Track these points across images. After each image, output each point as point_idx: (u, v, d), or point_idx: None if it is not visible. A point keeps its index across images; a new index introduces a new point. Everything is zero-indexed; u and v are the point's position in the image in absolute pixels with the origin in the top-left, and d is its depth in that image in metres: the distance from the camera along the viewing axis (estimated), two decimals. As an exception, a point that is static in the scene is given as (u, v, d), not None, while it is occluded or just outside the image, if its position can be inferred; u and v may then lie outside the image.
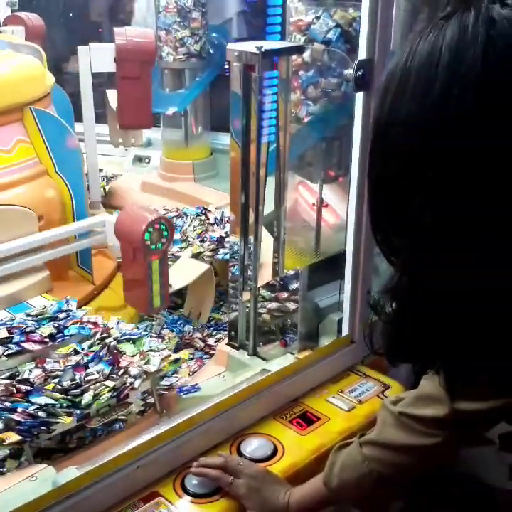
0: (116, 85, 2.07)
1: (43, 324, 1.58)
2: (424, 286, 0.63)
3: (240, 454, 1.21)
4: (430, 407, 0.95)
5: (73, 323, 1.60)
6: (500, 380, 0.70)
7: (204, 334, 1.97)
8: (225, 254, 2.12)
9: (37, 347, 1.51)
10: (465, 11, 0.57)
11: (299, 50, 1.56)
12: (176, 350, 1.71)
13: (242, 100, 1.48)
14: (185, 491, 1.12)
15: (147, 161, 3.01)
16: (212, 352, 1.82)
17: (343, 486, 1.04)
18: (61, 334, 1.56)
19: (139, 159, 3.01)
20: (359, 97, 1.31)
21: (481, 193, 0.55)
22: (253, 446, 1.22)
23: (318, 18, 1.64)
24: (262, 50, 1.41)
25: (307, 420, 1.30)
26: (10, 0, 3.05)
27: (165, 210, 2.33)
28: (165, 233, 1.64)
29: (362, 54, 1.28)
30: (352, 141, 1.47)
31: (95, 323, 1.63)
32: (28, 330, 1.55)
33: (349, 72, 1.36)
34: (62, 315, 1.62)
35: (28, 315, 1.61)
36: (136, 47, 1.97)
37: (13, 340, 1.52)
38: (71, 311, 1.65)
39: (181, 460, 1.17)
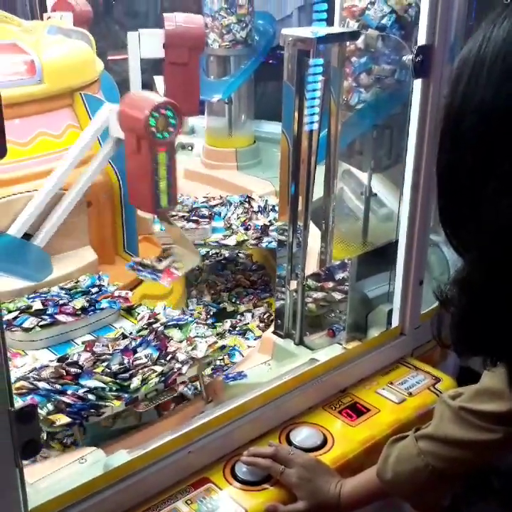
0: (163, 71, 2.06)
1: (76, 298, 1.62)
2: (500, 279, 0.61)
3: (290, 442, 1.20)
4: (492, 402, 0.93)
5: (104, 298, 1.63)
6: None
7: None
8: (269, 242, 2.11)
9: (69, 319, 1.55)
10: None
11: (354, 36, 1.53)
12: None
13: (294, 86, 1.46)
14: (235, 478, 1.12)
15: (190, 148, 3.01)
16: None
17: (397, 479, 1.02)
18: (93, 308, 1.60)
19: (182, 146, 3.00)
20: (417, 84, 1.28)
21: None
22: (303, 435, 1.21)
23: (372, 3, 1.60)
24: (317, 35, 1.39)
25: (357, 411, 1.28)
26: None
27: (206, 197, 2.34)
28: (172, 121, 1.50)
29: (421, 40, 1.25)
30: (403, 129, 1.45)
31: (126, 298, 1.65)
32: (61, 302, 1.58)
33: (407, 58, 1.33)
34: (94, 289, 1.66)
35: (62, 288, 1.64)
36: (185, 32, 1.96)
37: (47, 312, 1.55)
38: (103, 286, 1.67)
39: (231, 447, 1.17)
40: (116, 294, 1.66)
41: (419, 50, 1.25)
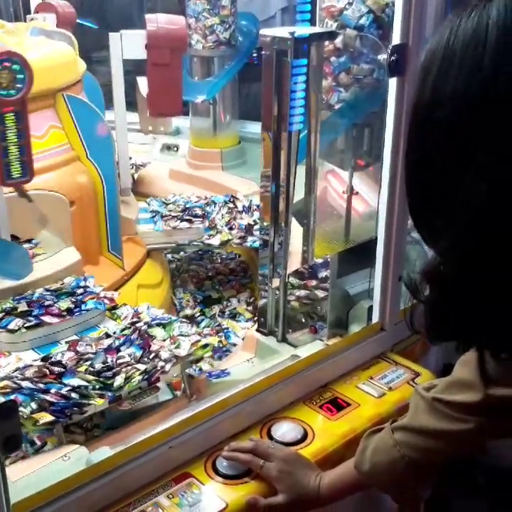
0: (146, 72, 2.07)
1: (62, 299, 1.62)
2: (471, 268, 0.63)
3: (271, 437, 1.22)
4: (463, 392, 0.94)
5: (90, 299, 1.63)
6: None
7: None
8: (254, 241, 2.13)
9: (55, 320, 1.55)
10: None
11: (331, 36, 1.55)
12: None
13: (273, 86, 1.48)
14: (217, 473, 1.13)
15: (175, 149, 3.02)
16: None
17: (375, 470, 1.04)
18: (78, 309, 1.60)
19: (167, 147, 3.02)
20: (393, 82, 1.30)
21: None
22: (283, 429, 1.23)
23: (350, 3, 1.62)
24: (295, 35, 1.41)
25: (337, 406, 1.30)
26: (41, -12, 3.08)
27: (189, 197, 2.35)
28: (20, 76, 1.31)
29: (396, 39, 1.27)
30: (383, 128, 1.47)
31: (111, 299, 1.66)
32: (46, 304, 1.58)
33: (382, 57, 1.35)
34: (79, 290, 1.66)
35: (47, 290, 1.64)
36: (167, 34, 1.97)
37: (33, 313, 1.56)
38: (88, 287, 1.68)
39: (212, 442, 1.18)
40: (101, 294, 1.66)
41: (393, 49, 1.27)
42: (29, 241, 1.74)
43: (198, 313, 2.07)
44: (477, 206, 0.59)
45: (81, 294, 1.64)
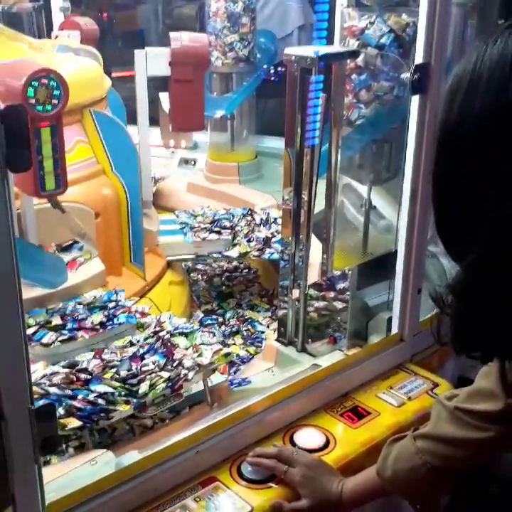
0: (168, 88, 2.13)
1: (94, 312, 1.65)
2: (494, 283, 0.66)
3: (293, 444, 1.25)
4: (485, 402, 0.97)
5: (122, 312, 1.66)
6: None
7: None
8: (271, 254, 2.17)
9: (88, 334, 1.59)
10: None
11: (353, 54, 1.60)
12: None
13: (297, 103, 1.52)
14: (242, 477, 1.16)
15: (193, 163, 3.07)
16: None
17: (396, 477, 1.07)
18: (111, 322, 1.63)
19: (185, 161, 3.07)
20: (415, 100, 1.34)
21: None
22: (306, 437, 1.26)
23: (372, 23, 1.67)
24: (319, 54, 1.46)
25: (358, 414, 1.33)
26: (63, 6, 3.16)
27: (217, 209, 2.41)
28: (56, 92, 1.36)
29: (419, 58, 1.31)
30: (402, 144, 1.51)
31: (143, 313, 1.69)
32: (80, 318, 1.62)
33: (405, 75, 1.39)
34: (111, 304, 1.69)
35: (80, 304, 1.68)
36: (190, 51, 2.02)
37: (67, 327, 1.59)
38: (120, 301, 1.71)
39: (237, 447, 1.21)
40: (133, 308, 1.70)
41: (416, 68, 1.31)
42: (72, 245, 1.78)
43: (217, 307, 2.22)
44: (501, 218, 0.62)
45: (113, 308, 1.67)
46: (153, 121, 2.39)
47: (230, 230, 2.22)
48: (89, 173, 1.87)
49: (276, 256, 2.11)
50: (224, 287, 2.34)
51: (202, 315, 2.16)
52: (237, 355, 1.82)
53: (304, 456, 1.18)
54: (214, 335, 1.80)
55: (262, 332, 2.02)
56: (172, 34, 2.04)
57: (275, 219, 2.33)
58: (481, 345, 0.71)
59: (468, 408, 0.99)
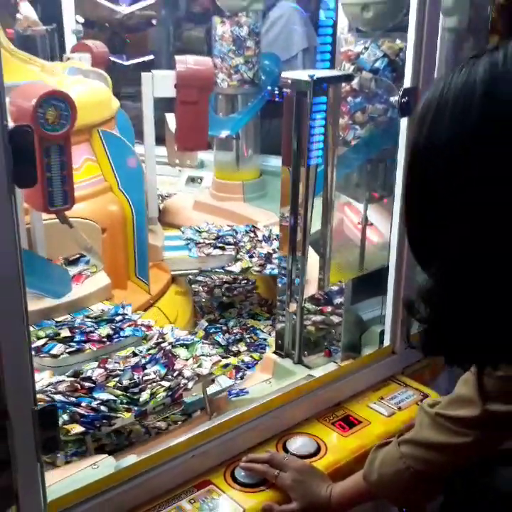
0: (174, 109, 2.21)
1: (102, 326, 1.72)
2: (457, 290, 0.71)
3: (286, 450, 1.30)
4: (463, 408, 1.02)
5: (129, 326, 1.73)
6: None
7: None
8: (272, 269, 2.23)
9: (96, 346, 1.65)
10: (494, 50, 0.67)
11: (348, 78, 1.67)
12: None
13: (294, 124, 1.59)
14: (235, 481, 1.22)
15: (199, 181, 3.15)
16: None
17: (382, 481, 1.12)
18: (117, 335, 1.69)
19: (191, 180, 3.15)
20: (404, 122, 1.41)
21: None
22: (298, 444, 1.31)
23: (366, 48, 1.75)
24: (314, 78, 1.53)
25: (349, 423, 1.38)
26: (75, 29, 3.28)
27: (221, 226, 2.48)
28: (65, 113, 1.43)
29: (407, 82, 1.38)
30: (395, 163, 1.57)
31: (148, 326, 1.75)
32: (87, 330, 1.68)
33: (395, 99, 1.46)
34: (118, 318, 1.76)
35: (87, 317, 1.75)
36: (195, 74, 2.11)
37: (75, 339, 1.66)
38: (127, 314, 1.78)
39: (231, 453, 1.27)
40: (139, 322, 1.76)
41: (404, 92, 1.38)
42: (79, 258, 1.86)
43: (219, 317, 2.32)
44: (462, 237, 0.68)
45: (120, 321, 1.73)
46: (160, 140, 2.47)
47: (233, 246, 2.29)
48: (96, 190, 1.95)
49: (276, 271, 2.17)
50: (224, 297, 2.44)
51: (206, 324, 2.24)
52: (242, 360, 1.93)
53: (294, 461, 1.23)
54: (214, 346, 1.87)
55: (265, 339, 2.13)
56: (178, 57, 2.12)
57: (277, 235, 2.40)
58: (447, 350, 0.76)
59: (449, 414, 1.04)
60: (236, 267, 2.23)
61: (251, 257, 2.28)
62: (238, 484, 1.21)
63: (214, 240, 2.32)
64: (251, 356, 1.96)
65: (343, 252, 1.94)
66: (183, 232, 2.39)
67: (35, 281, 1.53)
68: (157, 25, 4.40)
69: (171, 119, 2.28)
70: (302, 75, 1.55)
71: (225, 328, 2.24)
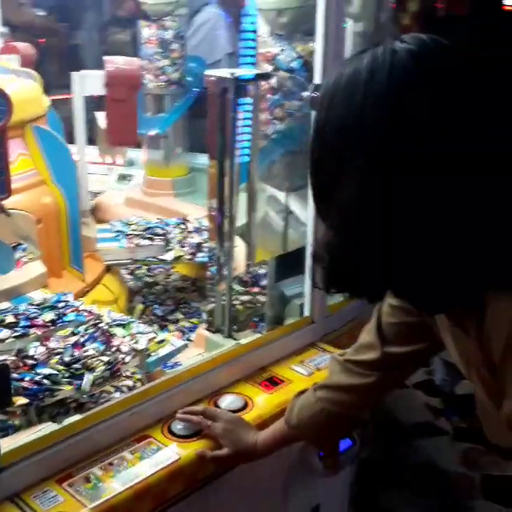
0: (105, 107, 2.32)
1: (45, 312, 1.81)
2: (348, 237, 0.87)
3: (217, 407, 1.44)
4: (367, 353, 1.20)
5: (71, 311, 1.83)
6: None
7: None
8: (203, 257, 2.37)
9: (41, 330, 1.74)
10: (377, 46, 0.84)
11: (267, 76, 1.84)
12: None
13: (218, 119, 1.74)
14: (172, 434, 1.35)
15: (129, 178, 3.26)
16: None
17: (301, 424, 1.28)
18: (61, 320, 1.79)
19: (122, 177, 3.26)
20: (315, 115, 1.57)
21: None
22: (227, 401, 1.46)
23: (283, 50, 1.93)
24: (235, 76, 1.69)
25: (273, 382, 1.54)
26: (1, 31, 3.32)
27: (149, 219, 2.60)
28: (2, 107, 1.49)
29: (317, 79, 1.55)
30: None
31: (90, 312, 1.86)
32: (32, 316, 1.77)
33: (306, 93, 1.63)
34: (61, 304, 1.85)
35: (31, 304, 1.84)
36: (123, 73, 2.23)
37: (20, 325, 1.74)
38: (69, 301, 1.88)
39: (167, 411, 1.40)
40: (81, 308, 1.86)
41: (314, 87, 1.55)
42: (17, 246, 1.94)
43: (148, 294, 2.46)
44: (350, 194, 0.84)
45: (62, 308, 1.82)
46: (90, 140, 2.57)
47: (162, 237, 2.41)
48: (30, 183, 2.04)
49: (206, 259, 2.31)
50: (148, 277, 2.57)
51: (142, 298, 2.41)
52: (183, 326, 2.15)
53: (225, 413, 1.38)
54: (152, 322, 2.01)
55: (198, 308, 2.31)
56: (106, 58, 2.24)
57: (207, 227, 2.54)
58: (345, 286, 0.92)
59: (355, 359, 1.22)
60: (169, 256, 2.36)
61: (183, 246, 2.41)
62: (175, 436, 1.34)
63: (143, 231, 2.44)
64: (190, 322, 2.14)
65: (268, 236, 2.11)
66: (112, 226, 2.49)
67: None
68: (83, 28, 4.47)
69: (101, 117, 2.39)
70: (225, 73, 1.71)
71: (159, 300, 2.40)
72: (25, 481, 1.19)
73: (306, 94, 1.65)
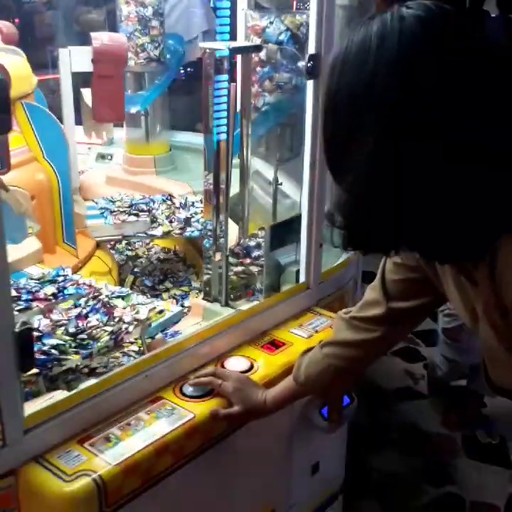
0: (91, 84, 2.33)
1: (45, 286, 1.84)
2: (362, 199, 0.92)
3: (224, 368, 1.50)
4: (372, 309, 1.26)
5: (71, 285, 1.86)
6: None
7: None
8: (192, 232, 2.41)
9: (43, 304, 1.77)
10: (384, 12, 0.89)
11: (258, 48, 1.88)
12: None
13: (212, 88, 1.76)
14: (184, 395, 1.40)
15: (109, 158, 3.26)
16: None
17: (308, 380, 1.34)
18: (62, 294, 1.82)
19: (102, 156, 3.25)
20: (310, 84, 1.63)
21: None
22: (234, 363, 1.51)
23: (271, 23, 1.96)
24: (230, 47, 1.72)
25: (275, 345, 1.60)
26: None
27: (133, 195, 2.62)
28: None
29: (311, 49, 1.60)
30: (302, 127, 1.78)
31: (89, 285, 1.89)
32: (33, 290, 1.80)
33: (301, 64, 1.68)
34: (60, 278, 1.88)
35: (31, 278, 1.86)
36: (110, 49, 2.24)
37: (22, 298, 1.77)
38: (67, 275, 1.90)
39: (178, 374, 1.45)
40: (80, 281, 1.89)
41: (310, 58, 1.59)
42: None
43: (133, 267, 2.53)
44: (367, 156, 0.89)
45: (62, 281, 1.85)
46: (75, 119, 2.57)
47: (147, 213, 2.44)
48: (22, 159, 2.05)
49: (196, 234, 2.36)
50: (128, 252, 2.65)
51: (130, 269, 2.48)
52: (175, 294, 2.22)
53: (235, 372, 1.43)
54: (144, 292, 2.06)
55: (186, 276, 2.41)
56: (93, 34, 2.25)
57: (193, 203, 2.58)
58: (360, 244, 0.98)
59: (361, 316, 1.28)
60: (158, 231, 2.39)
61: (171, 222, 2.44)
62: (187, 397, 1.39)
63: (128, 207, 2.47)
64: (181, 290, 2.22)
65: (254, 211, 2.15)
66: (96, 203, 2.51)
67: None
68: (55, 8, 4.41)
69: (87, 94, 2.40)
70: (219, 45, 1.73)
71: (146, 272, 2.46)
72: (48, 442, 1.23)
73: (301, 64, 1.70)
